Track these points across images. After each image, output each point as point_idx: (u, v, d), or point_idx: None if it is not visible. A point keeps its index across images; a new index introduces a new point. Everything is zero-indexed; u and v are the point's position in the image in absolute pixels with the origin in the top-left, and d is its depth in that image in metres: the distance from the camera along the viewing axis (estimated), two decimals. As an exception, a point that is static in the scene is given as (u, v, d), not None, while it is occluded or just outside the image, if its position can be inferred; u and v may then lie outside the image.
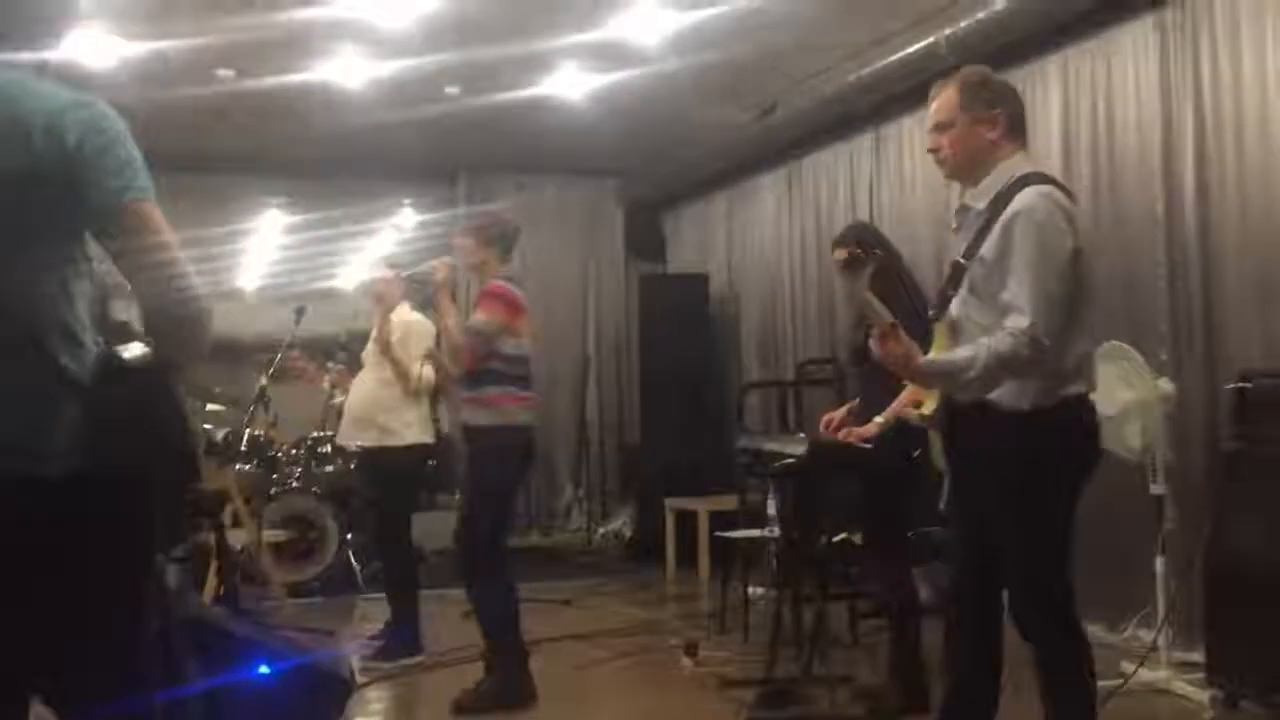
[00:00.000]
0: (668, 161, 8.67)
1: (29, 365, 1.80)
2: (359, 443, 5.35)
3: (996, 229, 2.79)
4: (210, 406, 7.57)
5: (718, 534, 6.29)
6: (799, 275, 7.70)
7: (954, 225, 3.04)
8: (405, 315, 5.32)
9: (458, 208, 9.05)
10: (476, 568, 4.35)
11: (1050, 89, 5.56)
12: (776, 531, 4.83)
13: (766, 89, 6.98)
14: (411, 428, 5.22)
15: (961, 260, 2.90)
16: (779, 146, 7.59)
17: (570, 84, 6.81)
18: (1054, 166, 5.45)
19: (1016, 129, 2.93)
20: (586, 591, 7.00)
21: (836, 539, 4.76)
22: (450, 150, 8.60)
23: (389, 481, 5.29)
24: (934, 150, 2.98)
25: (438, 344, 4.79)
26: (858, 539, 4.63)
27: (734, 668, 4.76)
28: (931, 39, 5.69)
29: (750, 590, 5.52)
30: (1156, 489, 4.43)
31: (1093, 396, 4.25)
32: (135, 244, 1.85)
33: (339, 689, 4.22)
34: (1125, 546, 4.74)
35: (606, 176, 9.37)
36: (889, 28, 5.92)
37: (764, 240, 8.18)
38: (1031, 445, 2.78)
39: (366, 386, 5.33)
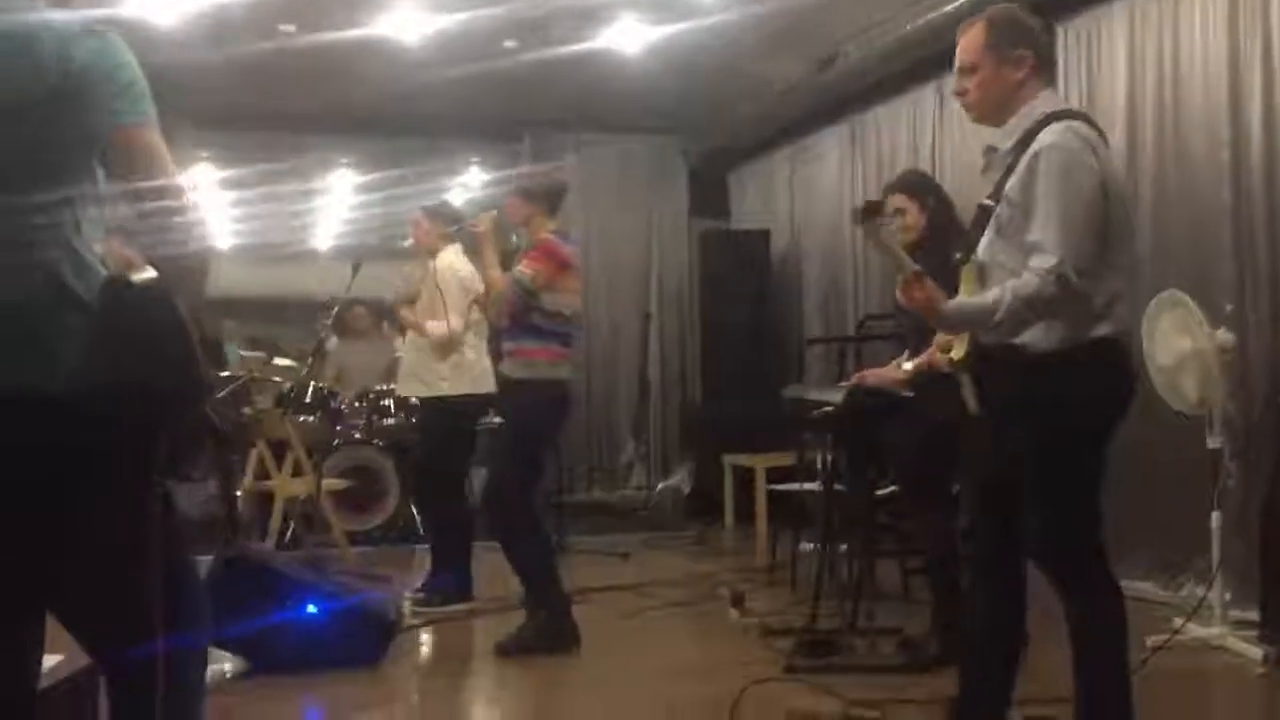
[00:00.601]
0: (730, 118, 8.59)
1: (37, 286, 1.85)
2: (406, 394, 5.44)
3: (1021, 168, 2.74)
4: (280, 361, 7.75)
5: (770, 487, 6.28)
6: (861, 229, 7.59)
7: (981, 167, 2.98)
8: (444, 262, 5.32)
9: (523, 166, 9.08)
10: (509, 519, 4.39)
11: (1116, 34, 5.41)
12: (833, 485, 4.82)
13: (826, 39, 6.87)
14: (446, 380, 5.26)
15: (988, 202, 2.85)
16: (841, 99, 7.49)
17: (628, 37, 6.77)
18: (1119, 113, 5.34)
19: (1044, 68, 2.86)
20: (644, 546, 7.06)
21: (885, 491, 4.73)
22: (514, 108, 8.62)
23: (430, 431, 5.37)
24: (960, 94, 2.92)
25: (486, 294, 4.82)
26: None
27: (779, 619, 4.75)
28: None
29: (801, 544, 5.51)
30: (1213, 443, 4.30)
31: (1149, 346, 4.22)
32: (133, 167, 1.88)
33: (385, 629, 4.34)
34: (1181, 502, 4.63)
35: (670, 134, 9.32)
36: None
37: (827, 195, 8.09)
38: (1059, 388, 2.72)
39: (412, 338, 5.40)
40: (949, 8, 5.92)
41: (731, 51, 7.02)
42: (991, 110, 2.89)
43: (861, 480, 4.41)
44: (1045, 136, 2.72)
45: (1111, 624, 2.79)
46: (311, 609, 4.12)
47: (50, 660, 2.64)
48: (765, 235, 8.60)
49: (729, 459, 7.68)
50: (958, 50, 2.90)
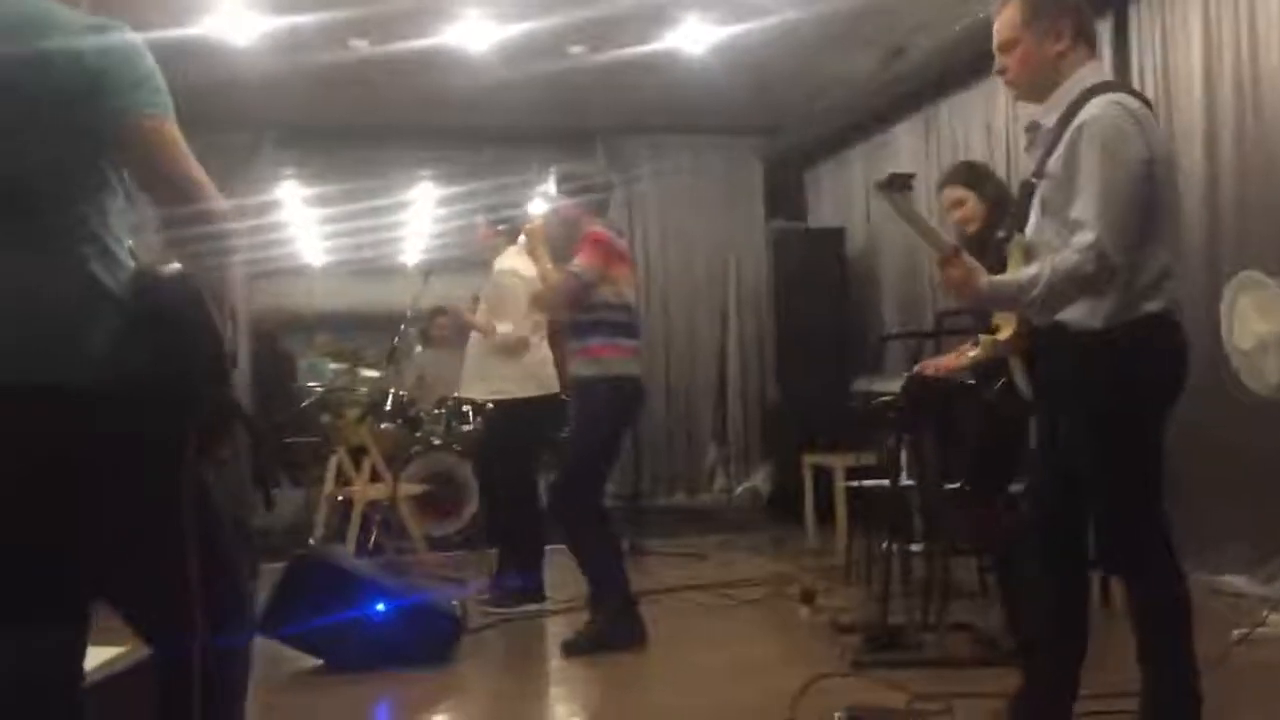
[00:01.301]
0: (804, 116, 8.53)
1: (63, 276, 1.88)
2: (468, 395, 5.49)
3: (1063, 143, 2.67)
4: (364, 372, 7.91)
5: (841, 485, 6.21)
6: (937, 223, 7.46)
7: (1025, 144, 2.92)
8: (505, 265, 5.35)
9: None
10: (576, 516, 4.40)
11: (1190, 11, 5.24)
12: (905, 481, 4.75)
13: (894, 32, 6.78)
14: (508, 382, 5.29)
15: (1032, 179, 2.79)
16: (912, 92, 7.38)
17: (693, 38, 6.77)
18: (1196, 91, 5.18)
19: (1084, 39, 2.79)
20: (723, 547, 7.03)
21: (956, 485, 4.63)
22: (585, 115, 8.67)
23: (496, 433, 5.41)
24: (1001, 72, 2.86)
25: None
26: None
27: (850, 616, 4.69)
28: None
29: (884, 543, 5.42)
30: (1300, 427, 4.15)
31: (1228, 329, 4.08)
32: (149, 159, 1.92)
33: (452, 628, 4.38)
34: (1266, 489, 4.46)
35: (744, 135, 9.27)
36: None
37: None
38: (1108, 367, 2.65)
39: (476, 339, 5.46)
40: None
41: (799, 49, 6.96)
42: (1034, 86, 2.83)
43: (928, 473, 4.33)
44: (1089, 110, 2.66)
45: (1175, 610, 2.70)
46: (380, 608, 4.18)
47: (111, 651, 2.72)
48: (840, 233, 8.51)
49: (809, 459, 7.60)
50: (995, 28, 2.85)
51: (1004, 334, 2.88)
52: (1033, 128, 2.85)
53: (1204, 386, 4.38)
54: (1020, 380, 2.91)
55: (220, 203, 1.95)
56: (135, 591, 2.01)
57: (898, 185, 2.79)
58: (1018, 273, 2.71)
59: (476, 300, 5.90)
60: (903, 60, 7.07)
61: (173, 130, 1.94)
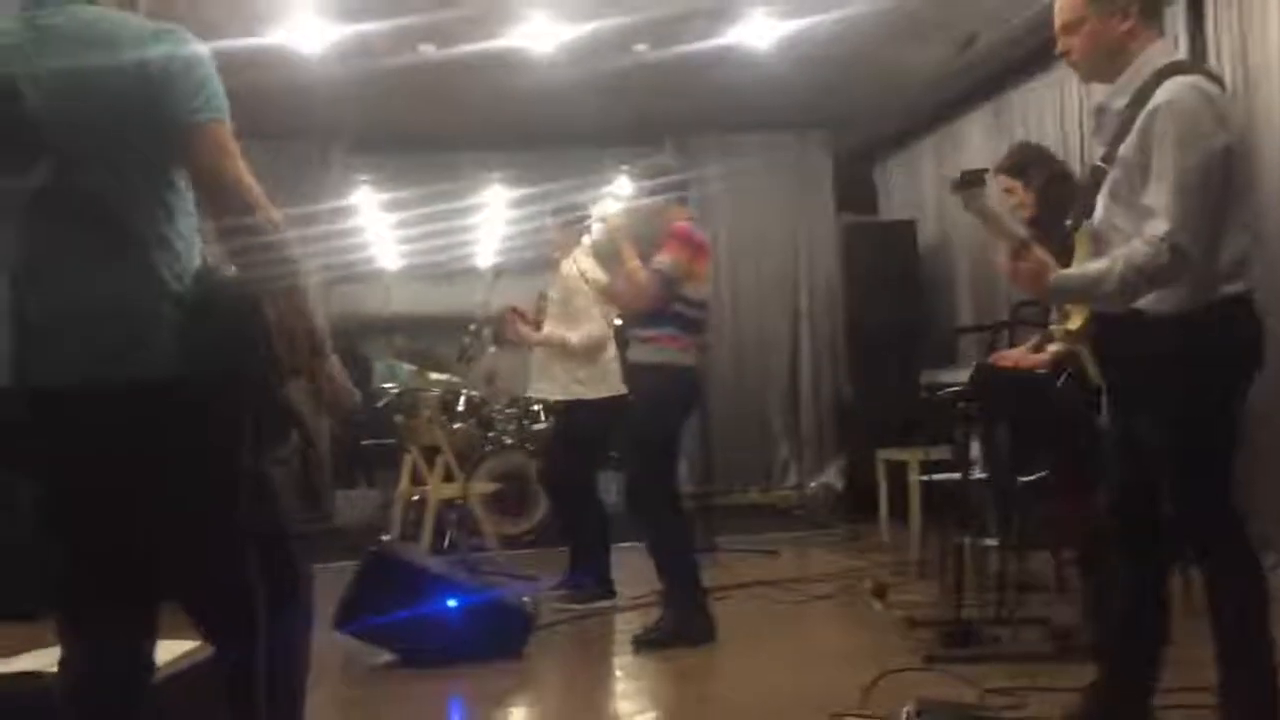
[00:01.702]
0: (873, 109, 8.46)
1: (130, 276, 1.95)
2: (537, 394, 5.53)
3: (1136, 127, 2.60)
4: (436, 374, 7.99)
5: (911, 479, 6.14)
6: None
7: (1093, 127, 2.86)
8: (579, 266, 5.37)
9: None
10: (648, 508, 4.40)
11: (1269, -6, 5.11)
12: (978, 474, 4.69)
13: (962, 21, 6.69)
14: (582, 384, 5.31)
15: (1100, 164, 2.73)
16: (982, 82, 7.28)
17: (759, 33, 6.74)
18: (1275, 71, 5.04)
19: (1151, 14, 2.72)
20: (796, 543, 7.01)
21: (1030, 478, 4.56)
22: (653, 113, 8.66)
23: (566, 433, 5.43)
24: (1065, 53, 2.80)
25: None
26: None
27: (923, 611, 4.64)
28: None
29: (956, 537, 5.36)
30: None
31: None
32: (198, 161, 1.96)
33: (523, 623, 4.42)
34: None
35: (813, 129, 9.22)
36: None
37: (974, 181, 7.87)
38: (1185, 350, 2.59)
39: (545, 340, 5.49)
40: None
41: (865, 41, 6.90)
42: (1101, 66, 2.77)
43: (1001, 466, 4.26)
44: (1163, 93, 2.58)
45: (1252, 595, 2.64)
46: (452, 604, 4.23)
47: (183, 646, 2.79)
48: (911, 226, 8.42)
49: (882, 454, 7.52)
50: (1057, 6, 2.79)
51: (1074, 323, 2.83)
52: (1100, 111, 2.80)
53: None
54: (1091, 370, 2.87)
55: (269, 212, 1.98)
56: (196, 588, 2.06)
57: (971, 182, 2.74)
58: (1088, 266, 2.66)
59: (543, 298, 5.93)
60: (972, 50, 6.98)
61: (225, 135, 1.98)
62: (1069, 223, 2.86)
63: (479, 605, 4.27)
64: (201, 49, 2.01)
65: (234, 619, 2.06)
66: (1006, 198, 4.37)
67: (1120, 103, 2.71)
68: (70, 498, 2.04)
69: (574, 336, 5.33)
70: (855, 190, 9.45)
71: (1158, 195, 2.54)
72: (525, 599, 4.68)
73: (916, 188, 8.79)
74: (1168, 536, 2.79)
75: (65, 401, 1.93)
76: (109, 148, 1.94)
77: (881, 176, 9.46)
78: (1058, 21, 2.80)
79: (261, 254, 1.97)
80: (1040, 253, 2.74)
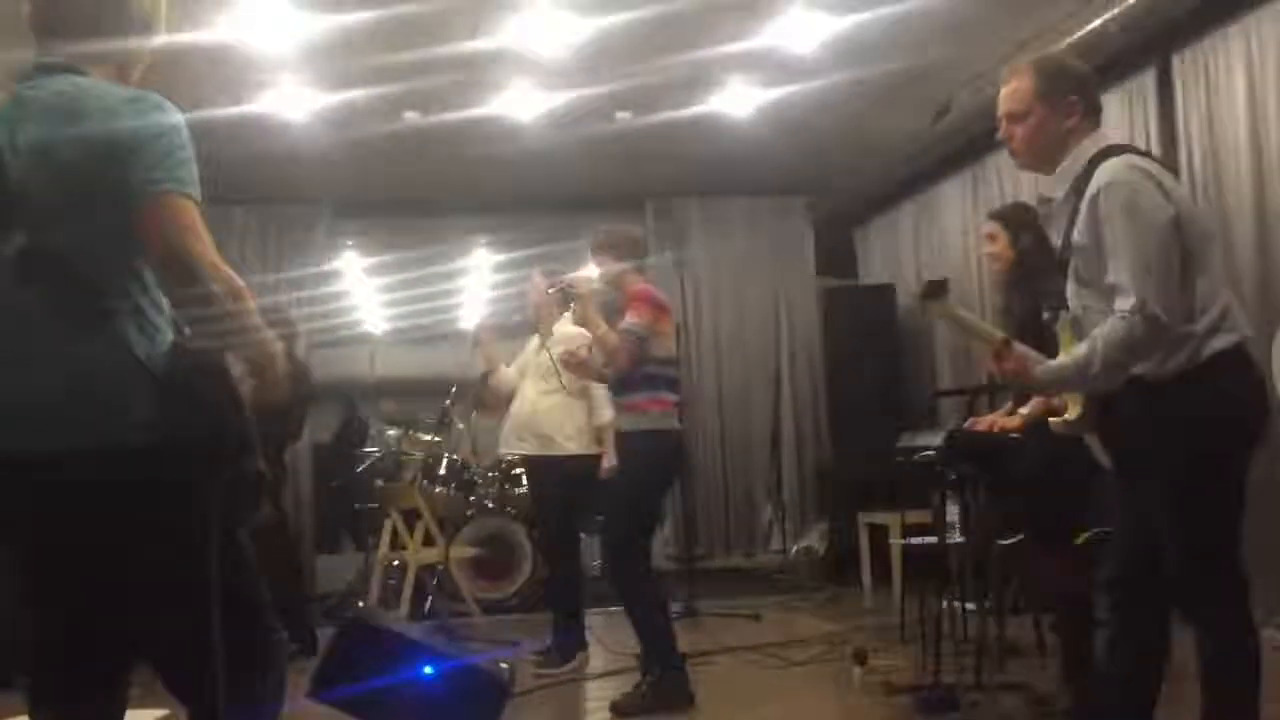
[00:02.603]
0: (852, 174, 8.57)
1: (102, 346, 1.95)
2: (518, 451, 5.53)
3: (1083, 212, 2.67)
4: (421, 436, 7.99)
5: (891, 542, 6.14)
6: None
7: (1041, 217, 2.94)
8: (567, 329, 5.42)
9: (648, 236, 9.18)
10: (626, 573, 4.40)
11: (1234, 59, 5.21)
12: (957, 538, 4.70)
13: (938, 90, 6.82)
14: (572, 440, 5.35)
15: (1064, 254, 2.78)
16: (959, 149, 7.39)
17: (737, 101, 6.85)
18: (1243, 140, 5.15)
19: (1091, 114, 2.82)
20: (778, 607, 6.98)
21: (1008, 542, 4.57)
22: (634, 178, 8.77)
23: (544, 491, 5.43)
24: (1007, 140, 2.87)
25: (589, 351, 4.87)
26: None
27: (903, 675, 4.62)
28: (1099, 21, 5.44)
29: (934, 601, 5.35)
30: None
31: (1278, 370, 4.00)
32: (155, 232, 1.95)
33: (498, 691, 4.37)
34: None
35: (793, 194, 9.33)
36: (1052, 17, 5.70)
37: (951, 245, 7.97)
38: (1182, 411, 2.61)
39: (528, 396, 5.50)
40: (1060, 45, 5.82)
41: (844, 108, 7.02)
42: (1040, 157, 2.85)
43: (975, 529, 4.27)
44: (1101, 175, 2.66)
45: (1244, 664, 2.64)
46: (427, 671, 4.19)
47: (153, 714, 2.77)
48: (891, 290, 8.50)
49: (864, 517, 7.53)
50: (1003, 96, 2.86)
51: (1072, 413, 2.86)
52: (1045, 202, 2.88)
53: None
54: (1099, 454, 2.88)
55: (228, 284, 1.97)
56: (165, 655, 2.06)
57: (935, 292, 2.80)
58: (1073, 352, 2.70)
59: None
60: (948, 118, 7.09)
61: (181, 207, 1.96)
62: (1046, 315, 2.91)
63: (454, 672, 4.22)
64: (174, 118, 2.01)
65: (203, 688, 2.05)
66: (988, 243, 4.43)
67: (1060, 192, 2.80)
68: (40, 567, 2.04)
69: (605, 415, 5.37)
70: (835, 254, 9.53)
71: (1117, 272, 2.60)
72: (503, 665, 4.63)
73: (895, 252, 8.88)
74: (1166, 601, 2.79)
75: (35, 470, 1.94)
76: (80, 217, 1.95)
77: (861, 241, 9.55)
78: (1003, 109, 2.86)
79: (219, 325, 1.97)
80: (1020, 349, 2.78)
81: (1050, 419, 3.06)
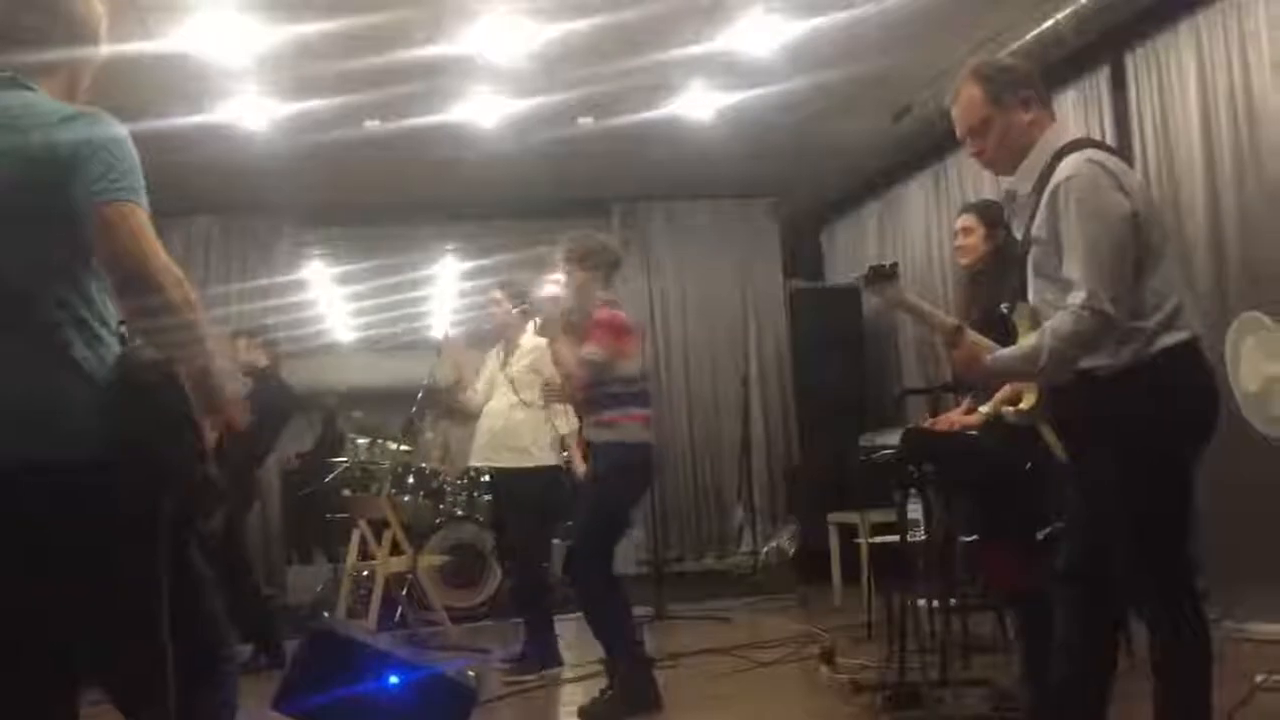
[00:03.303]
0: (815, 177, 8.62)
1: (38, 353, 1.94)
2: (492, 465, 5.53)
3: (1042, 206, 2.69)
4: (389, 445, 7.95)
5: (855, 541, 6.17)
6: (951, 276, 7.49)
7: (1007, 212, 2.95)
8: (532, 344, 5.41)
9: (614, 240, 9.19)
10: (590, 582, 4.41)
11: (1185, 56, 5.29)
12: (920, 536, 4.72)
13: (898, 92, 6.86)
14: (545, 450, 5.36)
15: (1023, 249, 2.81)
16: (921, 148, 7.45)
17: (699, 105, 6.88)
18: (1195, 134, 5.22)
19: (1045, 103, 2.83)
20: (749, 609, 7.00)
21: (969, 538, 4.60)
22: (599, 183, 8.80)
23: (519, 502, 5.43)
24: (978, 154, 2.88)
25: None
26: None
27: (870, 674, 4.64)
28: (1052, 21, 5.50)
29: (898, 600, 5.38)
30: (1311, 470, 4.10)
31: (1233, 371, 4.05)
32: (106, 242, 1.95)
33: (464, 698, 4.36)
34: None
35: (758, 198, 9.37)
36: (1006, 17, 5.75)
37: (915, 245, 8.02)
38: (1130, 403, 2.63)
39: (497, 409, 5.49)
40: (1007, 50, 5.87)
41: (805, 111, 7.06)
42: (1015, 158, 2.84)
43: (935, 527, 4.30)
44: (1062, 170, 2.67)
45: (1195, 658, 2.65)
46: (393, 680, 4.18)
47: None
48: (856, 291, 8.52)
49: (833, 517, 7.55)
50: (957, 115, 2.86)
51: (1026, 402, 2.88)
52: (1009, 198, 2.88)
53: (1222, 426, 4.36)
54: (1054, 445, 2.90)
55: (179, 291, 1.97)
56: (112, 669, 2.05)
57: (881, 276, 2.80)
58: (1022, 343, 2.72)
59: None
60: (908, 118, 7.14)
61: (132, 215, 1.96)
62: (1004, 306, 2.92)
63: (420, 681, 4.21)
64: (119, 131, 2.01)
65: (153, 701, 2.04)
66: (961, 236, 4.45)
67: (1026, 187, 2.80)
68: None
69: (564, 425, 5.42)
70: (802, 256, 9.58)
71: (1072, 266, 2.62)
72: (470, 672, 4.63)
73: (861, 252, 8.93)
74: (1116, 598, 2.82)
75: None
76: (20, 231, 1.95)
77: (828, 242, 9.60)
78: (961, 127, 2.86)
79: (171, 333, 1.97)
80: (973, 336, 2.80)
81: (1005, 408, 3.08)
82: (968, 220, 4.35)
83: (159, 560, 1.97)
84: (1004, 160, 2.86)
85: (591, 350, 4.47)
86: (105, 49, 2.22)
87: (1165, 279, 2.69)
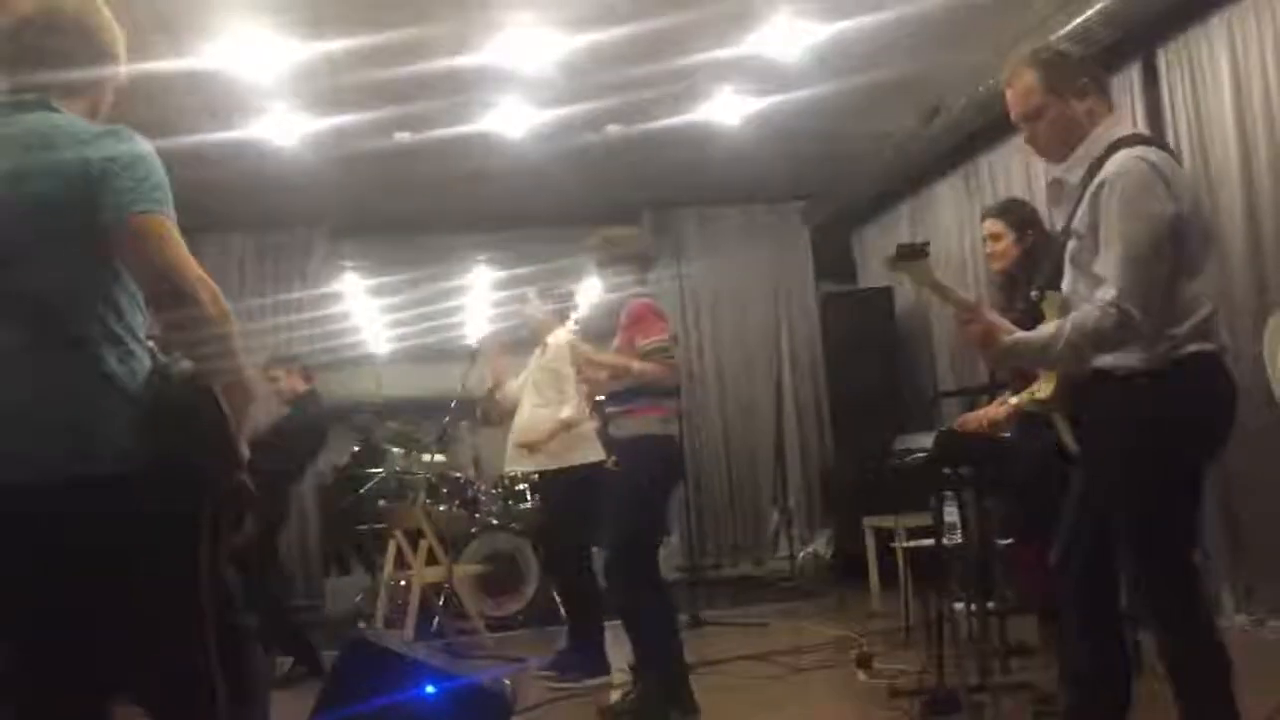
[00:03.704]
0: (845, 179, 8.57)
1: (72, 367, 1.96)
2: (521, 468, 5.53)
3: (1087, 198, 2.66)
4: (424, 456, 7.99)
5: (892, 545, 6.12)
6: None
7: (1051, 198, 2.93)
8: (562, 340, 5.42)
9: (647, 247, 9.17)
10: (623, 584, 4.38)
11: (1218, 50, 5.21)
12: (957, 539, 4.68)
13: (925, 93, 6.82)
14: (574, 450, 5.34)
15: (1060, 235, 2.78)
16: (951, 149, 7.40)
17: (728, 110, 6.87)
18: (1229, 129, 5.16)
19: (1103, 88, 2.80)
20: (786, 614, 6.96)
21: (1007, 541, 4.57)
22: (630, 191, 8.79)
23: (557, 505, 5.42)
24: (1031, 140, 2.86)
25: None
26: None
27: (907, 678, 4.61)
28: (1083, 17, 5.45)
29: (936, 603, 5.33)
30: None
31: (1272, 367, 3.99)
32: (138, 254, 1.98)
33: (500, 707, 4.37)
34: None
35: (789, 200, 9.34)
36: (1036, 15, 5.70)
37: (948, 246, 7.96)
38: (1146, 405, 2.61)
39: (526, 412, 5.50)
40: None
41: (833, 115, 7.02)
42: (1067, 147, 2.81)
43: (971, 529, 4.27)
44: (1111, 165, 2.65)
45: (1209, 664, 2.62)
46: (429, 690, 4.19)
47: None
48: (888, 293, 8.50)
49: (869, 521, 7.52)
50: (1012, 99, 2.84)
51: (1043, 392, 2.86)
52: (1056, 184, 2.85)
53: (1259, 427, 4.30)
54: (1066, 436, 2.88)
55: (215, 303, 1.99)
56: (153, 683, 2.06)
57: (911, 254, 2.79)
58: (1040, 329, 2.70)
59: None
60: (939, 120, 7.09)
61: (164, 227, 1.99)
62: (1034, 293, 2.90)
63: (456, 691, 4.23)
64: (145, 148, 2.04)
65: (194, 716, 2.05)
66: (990, 242, 4.43)
67: (1076, 176, 2.76)
68: (22, 598, 2.04)
69: (564, 411, 5.36)
70: (833, 259, 9.54)
71: (1106, 263, 2.59)
72: (505, 681, 4.64)
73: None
74: (1125, 599, 2.79)
75: (16, 500, 1.95)
76: (51, 249, 1.97)
77: (859, 244, 9.55)
78: (1016, 111, 2.84)
79: (207, 344, 1.99)
80: (990, 316, 2.78)
81: (1017, 397, 3.06)
82: (994, 226, 4.33)
83: (199, 574, 1.99)
84: (1056, 148, 2.84)
85: (654, 340, 4.35)
86: (125, 69, 2.24)
87: (1201, 285, 2.67)
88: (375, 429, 12.18)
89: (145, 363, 2.05)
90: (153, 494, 1.95)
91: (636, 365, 4.38)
